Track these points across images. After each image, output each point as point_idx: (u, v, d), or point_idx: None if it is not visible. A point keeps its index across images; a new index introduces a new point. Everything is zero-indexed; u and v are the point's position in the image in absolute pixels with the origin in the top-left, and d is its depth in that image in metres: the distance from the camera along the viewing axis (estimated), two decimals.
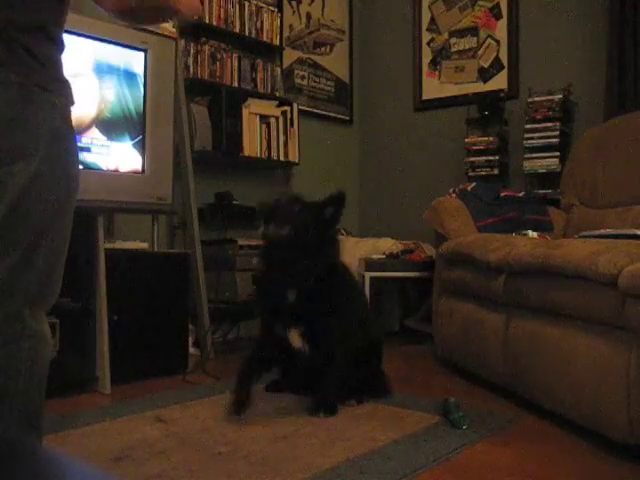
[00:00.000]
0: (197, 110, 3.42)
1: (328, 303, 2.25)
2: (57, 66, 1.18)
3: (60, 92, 1.18)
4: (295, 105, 3.93)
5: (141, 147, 2.79)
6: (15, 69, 1.10)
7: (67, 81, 1.20)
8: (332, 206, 2.27)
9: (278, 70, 4.02)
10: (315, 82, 4.44)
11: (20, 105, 1.11)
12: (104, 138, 2.69)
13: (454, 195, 3.42)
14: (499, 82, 4.10)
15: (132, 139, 2.78)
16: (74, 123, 1.22)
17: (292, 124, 3.91)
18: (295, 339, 2.25)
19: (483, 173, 3.90)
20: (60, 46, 1.19)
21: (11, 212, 1.11)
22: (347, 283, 2.43)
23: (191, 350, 3.09)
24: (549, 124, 3.63)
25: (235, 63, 3.72)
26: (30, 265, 1.16)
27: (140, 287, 2.77)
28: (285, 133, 3.86)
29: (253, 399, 2.16)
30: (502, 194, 3.41)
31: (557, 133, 3.60)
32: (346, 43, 4.69)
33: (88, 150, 2.62)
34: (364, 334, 2.41)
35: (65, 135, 1.19)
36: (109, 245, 2.76)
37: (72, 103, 1.22)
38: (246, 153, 3.65)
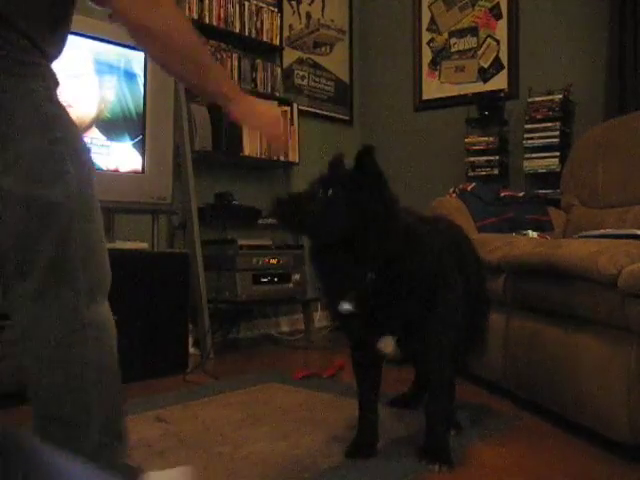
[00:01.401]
0: (197, 110, 3.42)
1: (415, 292, 1.67)
2: (23, 48, 1.11)
3: (35, 74, 1.12)
4: (295, 105, 3.93)
5: (141, 147, 2.80)
6: None
7: (42, 62, 1.15)
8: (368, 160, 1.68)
9: (278, 70, 4.02)
10: (315, 82, 4.44)
11: None
12: (104, 138, 2.69)
13: (454, 195, 3.42)
14: (499, 82, 4.10)
15: (132, 139, 2.78)
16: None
17: (292, 124, 3.91)
18: (387, 348, 1.75)
19: (483, 173, 3.90)
20: (18, 28, 1.10)
21: (25, 205, 1.09)
22: (435, 249, 1.75)
23: (191, 350, 3.09)
24: (549, 124, 3.63)
25: (235, 63, 3.72)
26: (68, 252, 1.13)
27: (140, 287, 2.77)
28: (285, 133, 3.86)
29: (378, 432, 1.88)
30: (502, 194, 3.41)
31: (557, 133, 3.60)
32: (346, 43, 4.69)
33: (86, 144, 2.62)
34: (476, 303, 1.99)
35: (60, 117, 1.15)
36: (109, 245, 2.74)
37: (56, 84, 1.18)
38: (246, 153, 3.65)
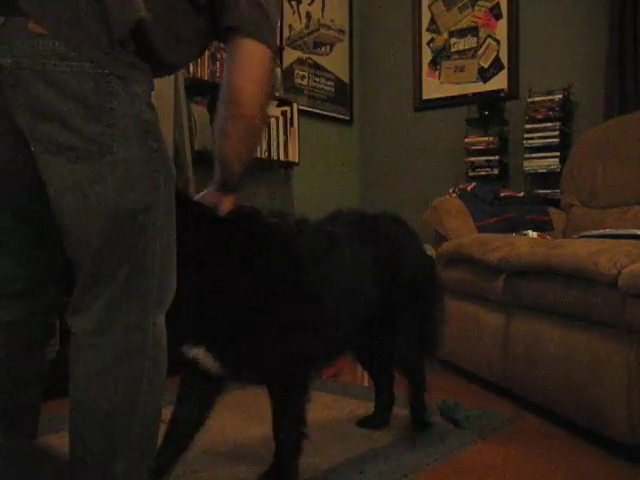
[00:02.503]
0: (197, 110, 3.42)
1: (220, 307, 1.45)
2: (134, 52, 1.11)
3: (140, 79, 1.11)
4: (295, 105, 3.93)
5: None
6: (89, 57, 1.04)
7: (146, 67, 1.14)
8: None
9: (278, 70, 4.02)
10: (315, 82, 4.44)
11: (96, 97, 1.04)
12: None
13: (454, 195, 3.42)
14: (499, 82, 4.10)
15: None
16: None
17: (292, 124, 3.90)
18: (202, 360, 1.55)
19: (483, 173, 3.90)
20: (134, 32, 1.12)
21: (112, 214, 1.07)
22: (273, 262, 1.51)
23: None
24: (549, 124, 3.63)
25: None
26: (144, 270, 1.12)
27: None
28: (285, 133, 3.86)
29: None
30: (502, 194, 3.41)
31: (557, 133, 3.60)
32: (346, 43, 4.68)
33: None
34: (417, 306, 1.93)
35: (157, 126, 1.14)
36: None
37: (152, 89, 1.18)
38: None
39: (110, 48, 1.05)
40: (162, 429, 2.02)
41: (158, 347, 1.17)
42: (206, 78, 3.56)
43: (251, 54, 1.26)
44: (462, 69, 4.28)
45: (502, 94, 4.02)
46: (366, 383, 2.52)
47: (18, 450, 1.20)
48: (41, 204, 1.11)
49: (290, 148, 3.90)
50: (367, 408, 2.30)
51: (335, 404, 2.36)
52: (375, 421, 2.13)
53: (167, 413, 2.21)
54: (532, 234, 3.01)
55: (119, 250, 1.09)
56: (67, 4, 1.03)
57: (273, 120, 3.80)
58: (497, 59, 4.12)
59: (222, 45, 3.81)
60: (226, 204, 1.45)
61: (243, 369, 1.62)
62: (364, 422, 2.13)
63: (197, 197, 1.55)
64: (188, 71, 3.47)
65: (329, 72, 4.55)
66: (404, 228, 2.03)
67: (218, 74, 3.61)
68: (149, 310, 1.14)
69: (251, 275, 1.47)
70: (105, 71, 1.04)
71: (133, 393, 1.13)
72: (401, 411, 2.26)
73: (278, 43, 4.02)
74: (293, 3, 4.26)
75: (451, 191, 3.51)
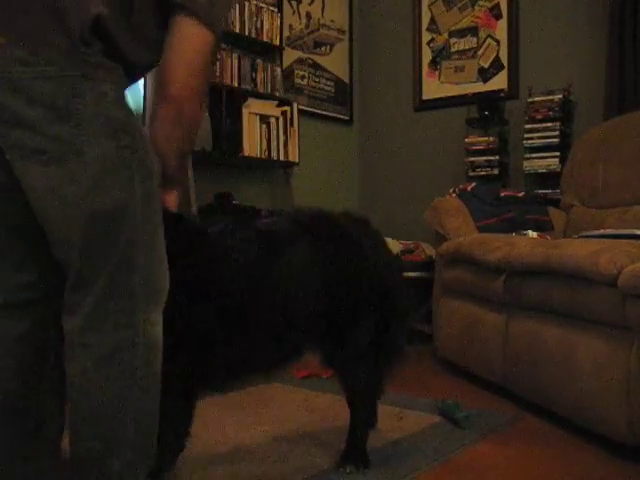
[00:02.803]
0: None
1: None
2: (101, 50, 1.11)
3: (108, 78, 1.11)
4: (295, 105, 3.93)
5: None
6: (50, 60, 1.04)
7: (116, 66, 1.14)
8: None
9: (278, 70, 4.02)
10: (315, 82, 4.44)
11: (62, 99, 1.04)
12: None
13: (454, 195, 3.42)
14: (499, 82, 4.09)
15: None
16: None
17: (292, 124, 3.90)
18: None
19: (483, 173, 3.90)
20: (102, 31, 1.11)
21: (89, 213, 1.07)
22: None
23: None
24: (549, 124, 3.63)
25: (235, 63, 3.72)
26: (128, 267, 1.12)
27: None
28: (285, 133, 3.86)
29: None
30: (502, 194, 3.41)
31: (557, 133, 3.59)
32: (346, 43, 4.68)
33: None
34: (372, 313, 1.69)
35: (129, 123, 1.13)
36: None
37: (126, 88, 1.17)
38: (246, 153, 3.65)
39: (72, 49, 1.06)
40: None
41: (151, 345, 1.16)
42: None
43: (190, 35, 1.20)
44: (462, 69, 4.28)
45: (502, 94, 4.01)
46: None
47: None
48: (31, 210, 1.12)
49: (290, 148, 3.90)
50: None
51: (335, 404, 2.36)
52: None
53: None
54: (532, 234, 3.01)
55: (100, 248, 1.10)
56: (23, 11, 1.04)
57: (273, 120, 3.80)
58: (497, 59, 4.12)
59: (223, 45, 3.80)
60: (168, 202, 1.38)
61: None
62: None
63: None
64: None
65: (329, 72, 4.55)
66: (366, 230, 1.81)
67: (218, 74, 3.62)
68: (138, 307, 1.14)
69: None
70: (68, 73, 1.05)
71: (125, 390, 1.13)
72: (401, 411, 2.27)
73: (278, 43, 4.02)
74: (293, 3, 4.26)
75: (451, 191, 3.51)
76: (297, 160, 3.95)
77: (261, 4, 3.91)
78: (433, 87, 4.41)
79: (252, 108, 3.68)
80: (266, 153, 3.77)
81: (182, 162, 1.36)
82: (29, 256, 1.20)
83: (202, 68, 1.24)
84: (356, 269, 1.68)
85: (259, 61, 3.87)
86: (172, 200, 1.39)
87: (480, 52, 4.19)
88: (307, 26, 4.37)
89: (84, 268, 1.11)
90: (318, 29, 4.45)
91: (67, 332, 1.14)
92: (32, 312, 1.22)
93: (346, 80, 4.69)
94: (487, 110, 3.93)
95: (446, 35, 4.36)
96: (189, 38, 1.21)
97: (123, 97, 1.15)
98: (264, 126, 3.76)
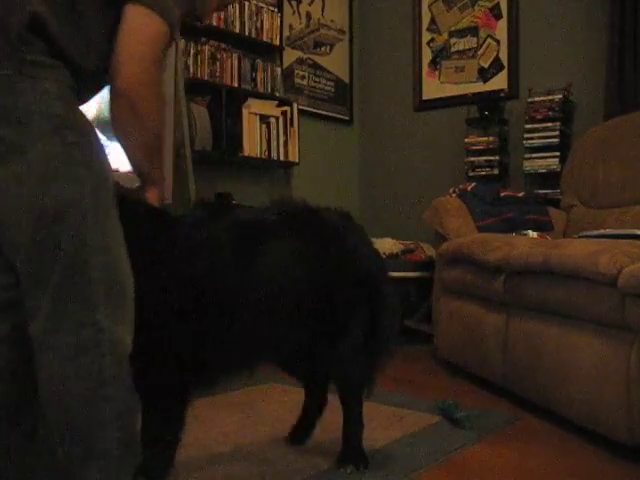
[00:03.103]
0: (197, 110, 3.42)
1: None
2: (41, 50, 1.08)
3: (50, 77, 1.09)
4: (295, 105, 3.93)
5: None
6: None
7: (59, 64, 1.11)
8: None
9: (278, 70, 4.02)
10: (315, 82, 4.44)
11: (1, 98, 1.02)
12: (104, 138, 2.68)
13: (454, 195, 3.42)
14: (499, 82, 4.09)
15: None
16: None
17: (292, 124, 3.90)
18: None
19: (483, 173, 3.90)
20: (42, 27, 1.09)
21: (35, 214, 1.05)
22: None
23: None
24: (549, 124, 3.63)
25: (235, 63, 3.72)
26: (79, 266, 1.08)
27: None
28: (285, 133, 3.86)
29: None
30: (502, 194, 3.41)
31: (557, 133, 3.59)
32: (346, 43, 4.68)
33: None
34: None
35: (74, 120, 1.11)
36: None
37: (72, 87, 1.14)
38: (246, 153, 3.65)
39: (10, 48, 1.04)
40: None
41: (116, 342, 1.12)
42: (206, 78, 3.56)
43: (138, 25, 1.16)
44: (462, 69, 4.28)
45: (502, 94, 4.01)
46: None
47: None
48: None
49: (290, 148, 3.90)
50: (365, 408, 2.30)
51: (335, 404, 2.36)
52: (297, 435, 1.94)
53: None
54: (532, 234, 3.01)
55: (49, 249, 1.06)
56: None
57: (273, 120, 3.80)
58: (497, 59, 4.12)
59: (223, 45, 3.80)
60: (150, 200, 1.36)
61: None
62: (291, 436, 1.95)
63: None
64: (188, 71, 3.48)
65: (329, 72, 4.55)
66: (350, 224, 1.75)
67: (218, 74, 3.62)
68: (99, 307, 1.10)
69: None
70: (6, 72, 1.03)
71: (95, 391, 1.10)
72: (400, 410, 2.27)
73: (278, 43, 4.02)
74: (293, 3, 4.26)
75: (451, 191, 3.51)
76: (297, 160, 3.95)
77: (261, 4, 3.91)
78: (433, 87, 4.41)
79: (252, 108, 3.69)
80: (266, 153, 3.77)
81: (153, 159, 1.31)
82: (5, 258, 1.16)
83: (153, 60, 1.19)
84: (341, 262, 1.64)
85: (259, 61, 3.87)
86: (153, 198, 1.35)
87: (480, 52, 4.19)
88: (307, 26, 4.37)
89: (35, 270, 1.07)
90: (318, 29, 4.45)
91: (33, 337, 1.11)
92: (13, 314, 1.18)
93: (346, 80, 4.69)
94: (487, 110, 3.93)
95: (446, 35, 4.36)
96: (137, 29, 1.16)
97: (68, 95, 1.12)
98: (264, 126, 3.76)
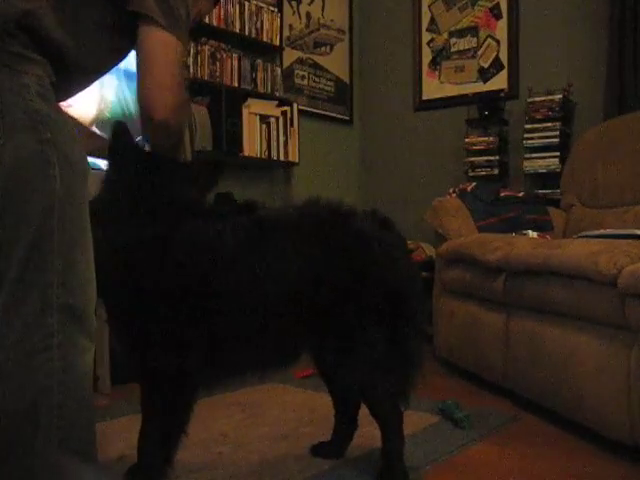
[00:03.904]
0: (197, 110, 3.42)
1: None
2: (23, 43, 1.07)
3: (31, 71, 1.07)
4: (295, 105, 3.93)
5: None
6: None
7: (43, 60, 1.10)
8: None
9: (278, 70, 4.02)
10: (315, 82, 4.44)
11: None
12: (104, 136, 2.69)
13: (454, 195, 3.42)
14: (499, 82, 4.10)
15: None
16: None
17: (292, 124, 3.90)
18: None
19: (483, 173, 3.90)
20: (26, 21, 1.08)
21: (1, 210, 1.01)
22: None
23: None
24: (549, 124, 3.63)
25: (235, 63, 3.72)
26: (39, 266, 1.04)
27: None
28: (285, 133, 3.86)
29: None
30: (502, 194, 3.41)
31: (557, 133, 3.59)
32: (346, 43, 4.68)
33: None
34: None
35: (52, 117, 1.08)
36: None
37: (52, 83, 1.12)
38: (246, 153, 3.65)
39: None
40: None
41: (68, 350, 1.06)
42: (206, 78, 3.56)
43: (162, 54, 1.21)
44: (462, 69, 4.28)
45: (502, 94, 4.01)
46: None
47: None
48: None
49: (290, 148, 3.90)
50: (365, 408, 2.30)
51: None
52: (330, 449, 1.85)
53: None
54: (532, 234, 3.01)
55: (9, 245, 1.02)
56: None
57: (273, 120, 3.80)
58: (497, 59, 4.12)
59: (223, 45, 3.80)
60: None
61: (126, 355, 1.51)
62: (317, 449, 1.87)
63: None
64: (188, 71, 3.48)
65: (329, 72, 4.55)
66: (386, 233, 1.65)
67: (218, 74, 3.62)
68: (52, 308, 1.05)
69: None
70: None
71: (38, 401, 1.03)
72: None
73: (278, 43, 4.02)
74: (293, 3, 4.26)
75: (451, 191, 3.51)
76: (297, 160, 3.95)
77: (261, 4, 3.91)
78: (433, 87, 4.41)
79: (252, 108, 3.69)
80: (266, 153, 3.77)
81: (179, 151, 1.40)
82: None
83: (179, 81, 1.25)
84: (363, 271, 1.55)
85: (259, 61, 3.87)
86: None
87: (480, 52, 4.19)
88: (307, 26, 4.37)
89: None
90: (318, 29, 4.45)
91: None
92: None
93: (346, 80, 4.69)
94: (487, 110, 3.93)
95: (446, 35, 4.36)
96: (160, 58, 1.21)
97: (48, 92, 1.10)
98: (264, 126, 3.76)
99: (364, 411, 2.27)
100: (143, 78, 1.22)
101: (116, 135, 1.50)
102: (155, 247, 1.39)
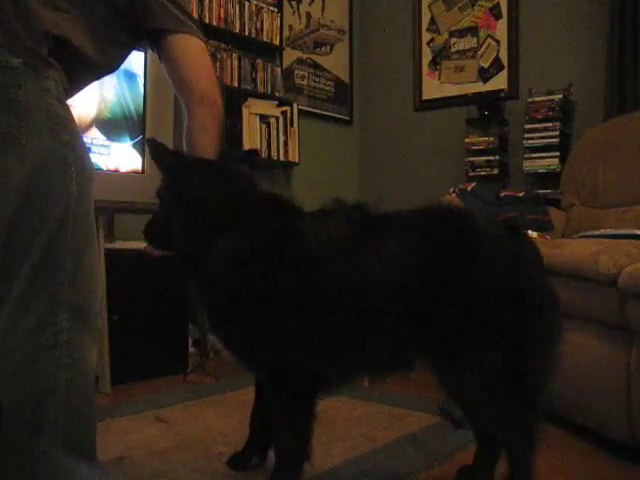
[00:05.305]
0: None
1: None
2: (50, 49, 1.11)
3: (51, 75, 1.11)
4: (295, 105, 3.93)
5: (141, 147, 2.79)
6: (15, 51, 1.04)
7: (58, 66, 1.13)
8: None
9: (278, 70, 4.02)
10: (315, 82, 4.44)
11: (5, 89, 1.03)
12: (104, 138, 2.69)
13: (454, 195, 3.42)
14: (499, 82, 4.10)
15: (132, 139, 2.78)
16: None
17: (292, 124, 3.91)
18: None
19: (483, 173, 3.90)
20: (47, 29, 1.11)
21: (18, 204, 1.05)
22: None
23: (191, 350, 3.09)
24: (549, 124, 3.63)
25: (235, 63, 3.72)
26: (52, 263, 1.07)
27: (140, 287, 2.77)
28: (285, 133, 3.86)
29: None
30: (502, 194, 3.41)
31: (557, 133, 3.60)
32: (346, 43, 4.68)
33: (88, 150, 2.62)
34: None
35: (69, 121, 1.12)
36: (109, 245, 2.76)
37: (66, 88, 1.16)
38: None
39: (26, 41, 1.06)
40: (162, 429, 2.03)
41: (75, 348, 1.09)
42: None
43: (198, 56, 1.36)
44: (462, 69, 4.28)
45: (502, 94, 4.02)
46: (366, 384, 2.51)
47: None
48: None
49: (290, 148, 3.90)
50: (365, 408, 2.30)
51: (335, 404, 2.36)
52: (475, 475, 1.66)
53: (167, 413, 2.21)
54: (532, 234, 3.00)
55: (25, 241, 1.05)
56: None
57: (273, 120, 3.80)
58: (497, 59, 4.12)
59: (223, 45, 3.78)
60: None
61: (236, 356, 1.50)
62: (463, 473, 1.69)
63: None
64: None
65: (329, 72, 4.55)
66: (512, 239, 1.47)
67: (218, 74, 3.62)
68: (62, 307, 1.07)
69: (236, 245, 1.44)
70: (11, 62, 1.04)
71: (45, 396, 1.06)
72: (400, 410, 2.26)
73: (278, 43, 4.02)
74: (293, 3, 4.26)
75: (451, 191, 3.50)
76: (297, 160, 3.95)
77: (261, 4, 3.91)
78: (433, 87, 4.41)
79: (252, 108, 3.69)
80: (266, 153, 3.77)
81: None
82: None
83: (215, 74, 1.42)
84: (475, 277, 1.39)
85: (259, 61, 3.87)
86: None
87: (480, 52, 4.19)
88: (307, 26, 4.37)
89: (6, 261, 1.05)
90: (318, 29, 4.45)
91: None
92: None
93: (346, 80, 4.69)
94: (487, 110, 3.93)
95: (446, 35, 4.36)
96: (198, 59, 1.38)
97: (64, 97, 1.14)
98: (264, 126, 3.76)
99: (364, 411, 2.28)
100: (190, 78, 1.35)
101: (157, 152, 1.48)
102: (285, 245, 1.43)
